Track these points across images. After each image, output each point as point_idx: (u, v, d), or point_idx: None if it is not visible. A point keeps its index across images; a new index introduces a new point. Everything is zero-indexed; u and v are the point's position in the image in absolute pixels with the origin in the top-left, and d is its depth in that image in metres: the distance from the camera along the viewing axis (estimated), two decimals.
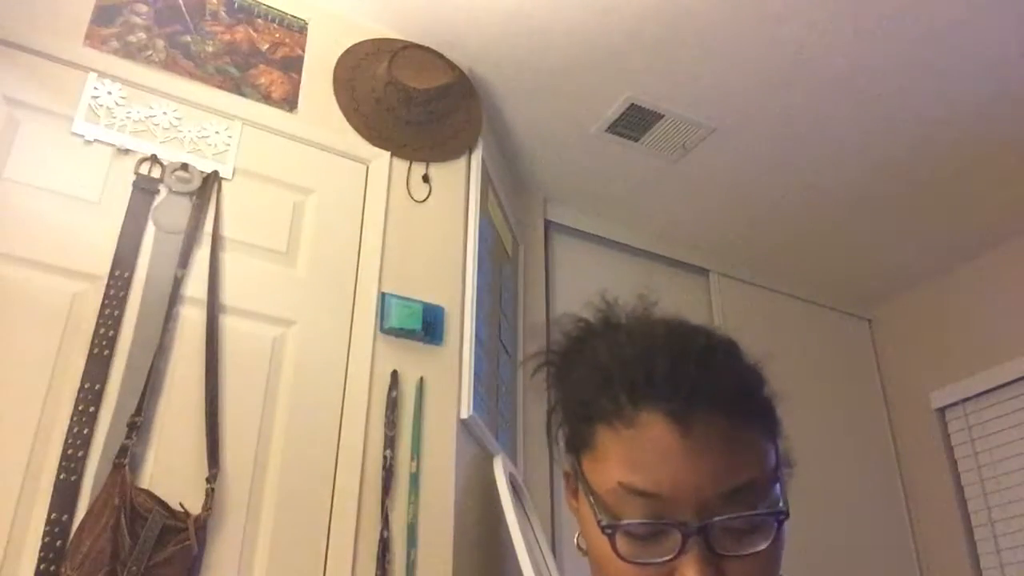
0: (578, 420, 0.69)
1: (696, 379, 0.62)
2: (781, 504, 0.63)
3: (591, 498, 0.65)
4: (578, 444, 0.69)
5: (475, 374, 2.01)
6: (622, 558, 0.61)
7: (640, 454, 0.62)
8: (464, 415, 1.94)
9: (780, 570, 0.64)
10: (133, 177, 1.74)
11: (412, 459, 1.80)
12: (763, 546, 0.61)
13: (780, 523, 0.62)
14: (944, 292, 3.25)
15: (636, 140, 2.63)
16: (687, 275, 3.17)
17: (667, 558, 0.60)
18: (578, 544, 0.70)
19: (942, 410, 3.13)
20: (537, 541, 2.04)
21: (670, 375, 0.62)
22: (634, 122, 2.56)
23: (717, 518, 0.59)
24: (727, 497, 0.60)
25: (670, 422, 0.61)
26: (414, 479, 1.79)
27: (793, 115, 2.52)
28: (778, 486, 0.64)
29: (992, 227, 2.99)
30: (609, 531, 0.62)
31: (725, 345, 0.68)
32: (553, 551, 2.17)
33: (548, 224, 2.91)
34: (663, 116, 2.53)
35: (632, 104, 2.49)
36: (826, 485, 2.97)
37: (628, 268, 3.03)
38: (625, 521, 0.61)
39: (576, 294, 2.85)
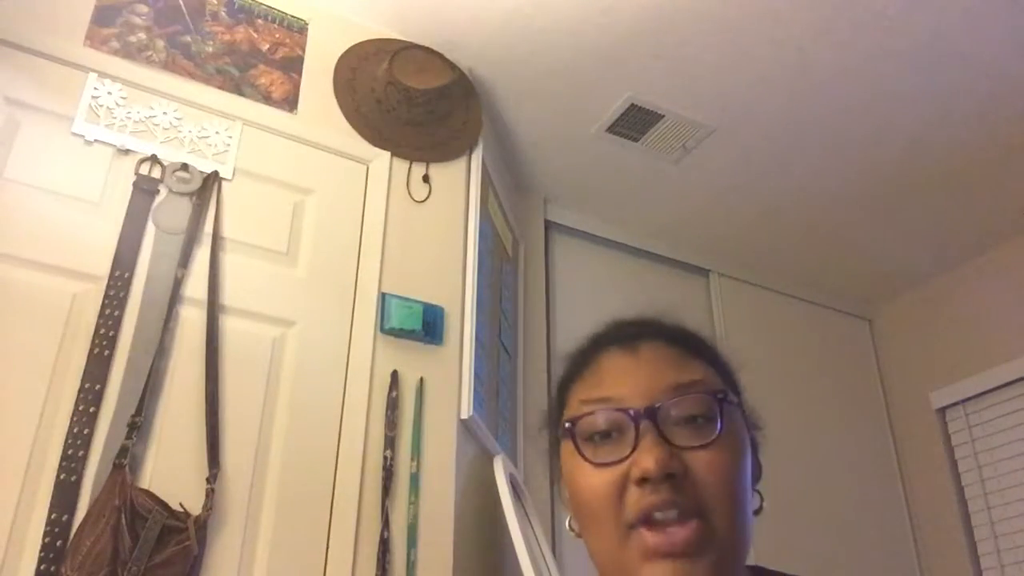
0: (558, 402, 0.77)
1: (646, 324, 0.75)
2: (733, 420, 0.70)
3: (559, 431, 0.73)
4: (556, 420, 0.76)
5: (475, 374, 2.01)
6: (586, 459, 0.68)
7: (597, 378, 0.72)
8: (464, 415, 1.94)
9: (747, 476, 0.69)
10: (133, 177, 1.74)
11: (412, 459, 1.80)
12: (714, 435, 0.67)
13: (721, 404, 0.68)
14: (944, 292, 3.25)
15: (636, 140, 2.63)
16: (687, 275, 3.17)
17: (626, 453, 0.66)
18: (569, 525, 0.74)
19: (942, 410, 3.13)
20: (537, 541, 2.04)
21: (627, 326, 0.76)
22: (634, 122, 2.56)
23: (660, 403, 0.67)
24: (672, 391, 0.68)
25: (622, 351, 0.73)
26: (414, 479, 1.79)
27: (793, 115, 2.52)
28: (732, 411, 0.70)
29: (992, 227, 2.99)
30: (569, 425, 0.70)
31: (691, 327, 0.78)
32: (553, 551, 2.17)
33: (548, 224, 2.91)
34: (663, 116, 2.53)
35: (632, 104, 2.49)
36: (826, 485, 2.97)
37: (628, 268, 3.03)
38: (584, 411, 0.70)
39: (576, 294, 2.85)
